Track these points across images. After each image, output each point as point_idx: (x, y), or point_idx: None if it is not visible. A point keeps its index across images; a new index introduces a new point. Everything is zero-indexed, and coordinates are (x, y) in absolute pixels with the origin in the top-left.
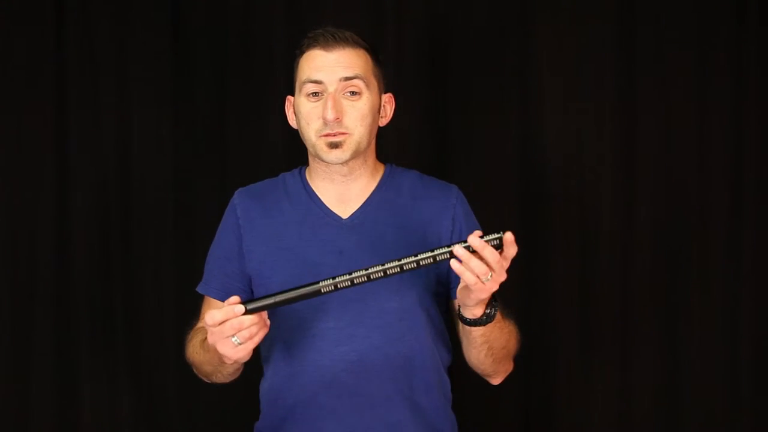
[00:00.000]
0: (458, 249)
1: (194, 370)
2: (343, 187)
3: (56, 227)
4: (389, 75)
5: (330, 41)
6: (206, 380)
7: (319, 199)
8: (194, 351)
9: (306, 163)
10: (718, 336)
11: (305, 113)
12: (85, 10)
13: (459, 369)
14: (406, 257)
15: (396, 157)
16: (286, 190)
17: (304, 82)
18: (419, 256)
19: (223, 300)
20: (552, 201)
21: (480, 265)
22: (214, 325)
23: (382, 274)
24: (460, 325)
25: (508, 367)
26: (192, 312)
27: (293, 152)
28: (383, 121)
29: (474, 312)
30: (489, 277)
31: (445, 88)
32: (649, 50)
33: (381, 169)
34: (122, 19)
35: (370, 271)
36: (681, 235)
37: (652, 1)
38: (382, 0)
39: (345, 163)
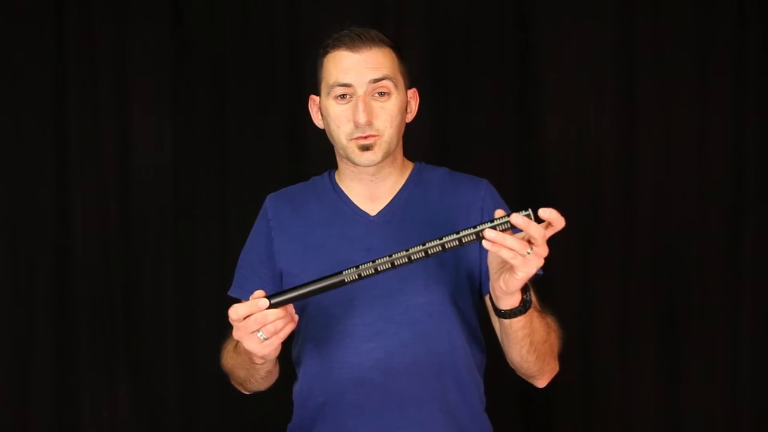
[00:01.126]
0: (489, 233)
1: (231, 381)
2: (372, 186)
3: (56, 227)
4: (412, 70)
5: (356, 41)
6: (243, 391)
7: (348, 198)
8: (228, 356)
9: (309, 165)
10: (718, 336)
11: (334, 116)
12: (85, 10)
13: None
14: (430, 241)
15: None
16: (315, 191)
17: (332, 86)
18: (444, 239)
19: None
20: (552, 200)
21: (516, 242)
22: (239, 320)
23: (406, 260)
24: (499, 322)
25: (553, 366)
26: (192, 314)
27: (294, 152)
28: (409, 117)
29: (511, 302)
30: (529, 250)
31: (445, 88)
32: (649, 50)
33: (409, 167)
34: (122, 19)
35: (394, 257)
36: (681, 235)
37: (652, 1)
38: (382, 0)
39: (375, 164)
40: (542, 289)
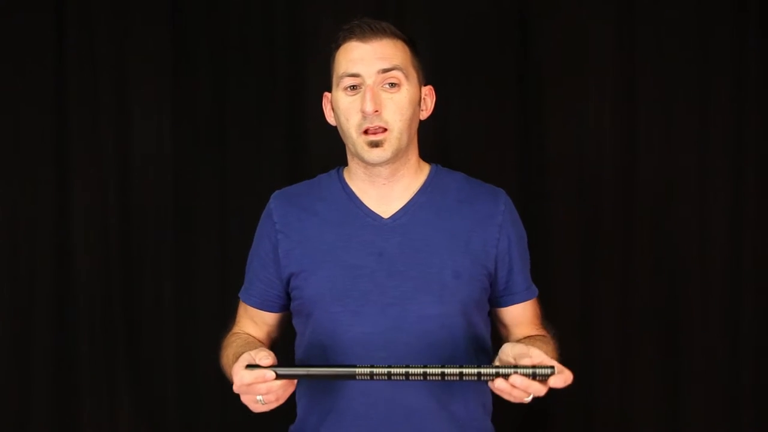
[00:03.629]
0: (499, 383)
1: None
2: (386, 188)
3: (56, 227)
4: (427, 67)
5: (367, 32)
6: None
7: (359, 199)
8: (227, 363)
9: (309, 165)
10: (718, 336)
11: (344, 108)
12: (85, 9)
13: None
14: (450, 366)
15: None
16: (323, 191)
17: (342, 76)
18: (464, 370)
19: (253, 305)
20: (552, 201)
21: (519, 393)
22: (243, 386)
23: (421, 377)
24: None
25: None
26: (192, 314)
27: (294, 152)
28: (424, 115)
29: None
30: (528, 399)
31: (446, 88)
32: (649, 50)
33: (426, 169)
34: (122, 19)
35: (410, 371)
36: (681, 235)
37: (652, 1)
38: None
39: (386, 163)
40: (542, 289)
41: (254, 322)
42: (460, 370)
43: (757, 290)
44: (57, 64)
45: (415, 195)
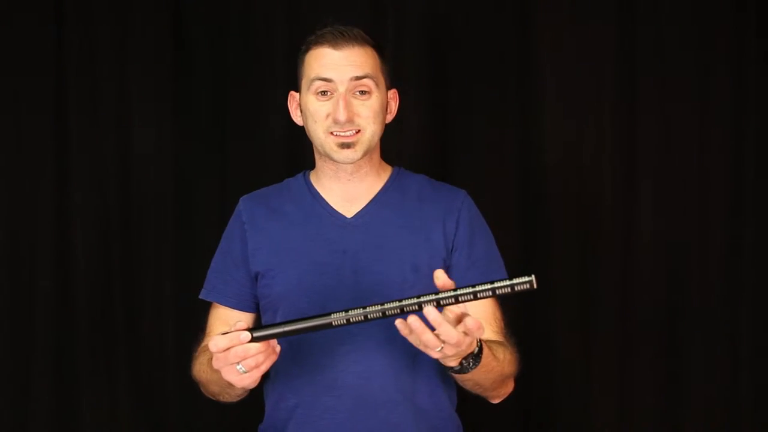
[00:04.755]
0: (397, 322)
1: (201, 389)
2: (350, 185)
3: (56, 227)
4: (392, 71)
5: (339, 39)
6: (213, 399)
7: (324, 200)
8: (201, 369)
9: (309, 165)
10: (718, 336)
11: (313, 111)
12: (85, 10)
13: None
14: (425, 295)
15: (396, 157)
16: (290, 193)
17: (313, 80)
18: (440, 295)
19: (230, 306)
20: (552, 201)
21: (431, 340)
22: (218, 352)
23: (398, 311)
24: None
25: (506, 390)
26: (192, 315)
27: (294, 152)
28: (389, 118)
29: (447, 363)
30: (439, 349)
31: (445, 88)
32: (649, 50)
33: (388, 170)
34: (122, 19)
35: (385, 306)
36: (681, 235)
37: (652, 1)
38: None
39: (354, 162)
40: (542, 289)
41: (229, 326)
42: (437, 296)
43: (756, 290)
44: (57, 64)
45: (377, 194)
